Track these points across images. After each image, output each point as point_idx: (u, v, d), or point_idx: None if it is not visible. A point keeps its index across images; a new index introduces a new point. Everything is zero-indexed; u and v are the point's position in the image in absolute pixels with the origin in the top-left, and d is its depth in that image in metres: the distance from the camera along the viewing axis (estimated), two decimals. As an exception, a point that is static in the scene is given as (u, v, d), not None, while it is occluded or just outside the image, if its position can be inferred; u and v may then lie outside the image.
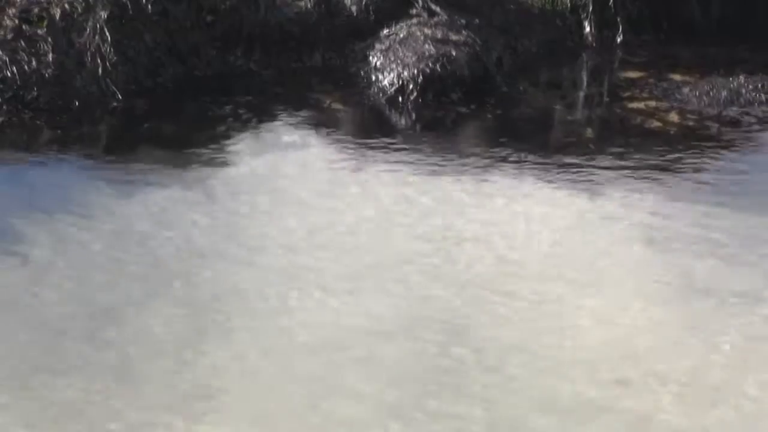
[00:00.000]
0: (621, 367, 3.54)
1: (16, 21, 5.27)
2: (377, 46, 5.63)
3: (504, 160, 4.94)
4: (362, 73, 5.58)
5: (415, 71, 5.45)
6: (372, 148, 5.01)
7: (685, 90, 5.65)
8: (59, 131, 5.08)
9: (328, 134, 5.15)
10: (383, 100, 5.46)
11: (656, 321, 3.80)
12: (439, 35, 5.63)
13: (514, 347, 3.64)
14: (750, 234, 4.42)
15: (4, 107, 5.11)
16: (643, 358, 3.60)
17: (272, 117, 5.29)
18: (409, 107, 5.44)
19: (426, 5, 5.82)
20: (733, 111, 5.48)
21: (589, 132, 5.42)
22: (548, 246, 4.27)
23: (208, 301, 3.85)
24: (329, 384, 3.44)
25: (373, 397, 3.37)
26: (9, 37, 5.23)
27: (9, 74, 5.15)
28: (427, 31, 5.66)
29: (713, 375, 3.51)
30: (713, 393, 3.44)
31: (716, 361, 3.58)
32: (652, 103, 5.55)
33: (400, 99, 5.45)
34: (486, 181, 4.73)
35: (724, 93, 5.59)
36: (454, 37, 5.64)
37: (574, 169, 4.85)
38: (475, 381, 3.45)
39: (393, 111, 5.45)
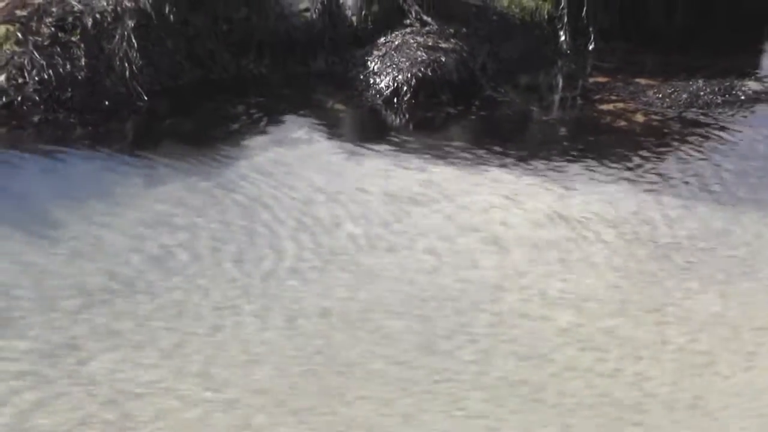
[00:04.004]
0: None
1: (53, 29, 5.24)
2: (375, 52, 5.63)
3: (487, 153, 4.94)
4: (361, 76, 5.57)
5: (409, 75, 5.45)
6: (369, 143, 5.00)
7: (650, 93, 5.64)
8: (90, 127, 5.05)
9: (330, 131, 5.14)
10: (380, 101, 5.45)
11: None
12: (430, 43, 5.63)
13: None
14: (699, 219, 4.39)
15: (42, 106, 5.07)
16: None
17: (280, 116, 5.28)
18: (403, 108, 5.42)
19: (419, 16, 5.80)
20: (692, 112, 5.46)
21: (563, 130, 5.39)
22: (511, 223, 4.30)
23: (231, 267, 3.87)
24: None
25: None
26: (46, 43, 5.19)
27: (46, 76, 5.11)
28: (420, 39, 5.66)
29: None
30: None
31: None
32: (620, 105, 5.55)
33: (395, 100, 5.44)
34: (471, 171, 4.74)
35: (684, 96, 5.59)
36: (443, 44, 5.64)
37: (549, 163, 4.85)
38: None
39: (388, 111, 5.43)
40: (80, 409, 3.24)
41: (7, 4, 5.36)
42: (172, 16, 5.40)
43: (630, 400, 3.34)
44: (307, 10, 5.85)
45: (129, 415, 3.22)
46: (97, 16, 5.30)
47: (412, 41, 5.65)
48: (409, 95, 5.43)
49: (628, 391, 3.38)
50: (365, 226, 4.28)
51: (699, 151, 5.05)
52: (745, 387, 3.48)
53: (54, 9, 5.29)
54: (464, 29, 5.82)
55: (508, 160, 4.87)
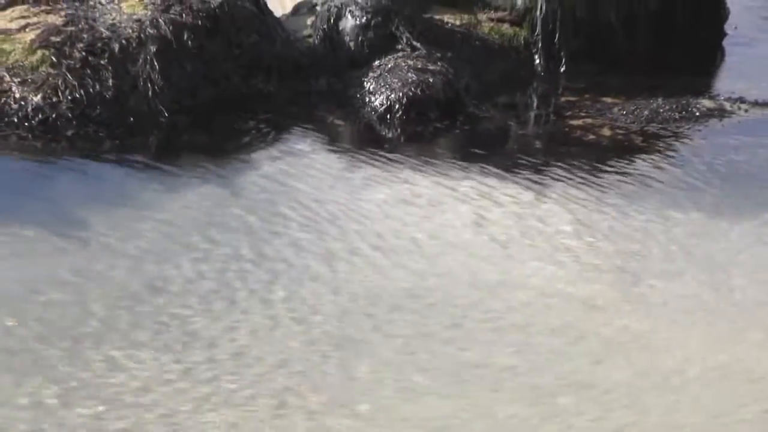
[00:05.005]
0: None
1: (83, 53, 5.15)
2: (370, 74, 5.56)
3: (470, 163, 4.94)
4: (358, 95, 5.50)
5: (401, 94, 5.39)
6: (365, 155, 5.00)
7: (615, 110, 5.56)
8: (117, 141, 5.01)
9: (331, 144, 5.15)
10: (375, 117, 5.40)
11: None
12: (419, 66, 5.53)
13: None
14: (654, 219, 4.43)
15: (74, 122, 5.02)
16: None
17: (286, 130, 5.25)
18: (396, 123, 5.36)
19: (409, 42, 5.68)
20: (653, 127, 5.40)
21: (538, 143, 5.38)
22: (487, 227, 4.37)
23: (252, 264, 3.97)
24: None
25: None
26: (77, 66, 5.12)
27: (77, 95, 5.06)
28: (410, 62, 5.57)
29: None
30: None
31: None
32: (589, 121, 5.48)
33: (388, 116, 5.38)
34: (455, 179, 4.76)
35: (646, 112, 5.52)
36: (431, 67, 5.53)
37: (525, 172, 4.86)
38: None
39: (382, 126, 5.38)
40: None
41: (42, 32, 5.20)
42: (190, 42, 5.30)
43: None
44: (310, 36, 5.81)
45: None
46: (123, 41, 5.22)
47: (403, 64, 5.57)
48: (400, 112, 5.38)
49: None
50: (361, 225, 4.36)
51: (658, 161, 5.05)
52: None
53: (85, 36, 5.23)
54: (450, 53, 5.70)
55: (489, 169, 4.89)
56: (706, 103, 5.66)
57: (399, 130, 5.35)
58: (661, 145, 5.25)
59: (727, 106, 5.65)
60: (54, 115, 5.04)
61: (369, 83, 5.54)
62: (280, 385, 3.31)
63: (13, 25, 5.37)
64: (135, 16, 5.35)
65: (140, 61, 5.22)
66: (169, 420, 3.13)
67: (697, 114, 5.55)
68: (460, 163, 4.97)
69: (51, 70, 5.13)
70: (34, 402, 3.18)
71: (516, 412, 3.21)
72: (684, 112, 5.54)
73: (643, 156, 5.09)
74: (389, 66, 5.59)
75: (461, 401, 3.26)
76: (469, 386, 3.34)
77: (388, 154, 5.03)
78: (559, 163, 4.96)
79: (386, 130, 5.38)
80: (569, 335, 3.63)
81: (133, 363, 3.38)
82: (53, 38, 5.24)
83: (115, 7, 5.47)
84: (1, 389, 3.24)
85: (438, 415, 3.22)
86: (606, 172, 4.89)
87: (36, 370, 3.32)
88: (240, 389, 3.29)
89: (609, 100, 5.71)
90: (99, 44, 5.22)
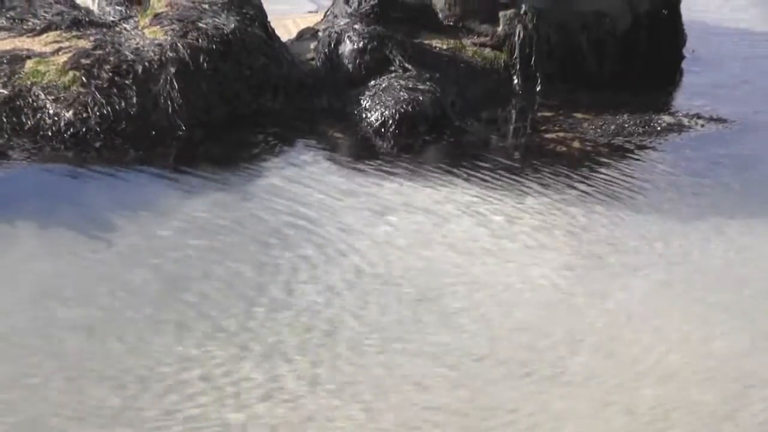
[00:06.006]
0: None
1: (110, 74, 5.22)
2: (366, 92, 5.61)
3: (455, 171, 4.98)
4: (356, 112, 5.55)
5: (394, 111, 5.44)
6: (362, 164, 5.05)
7: (585, 124, 5.59)
8: (140, 152, 5.03)
9: (331, 155, 5.20)
10: (371, 131, 5.44)
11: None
12: (410, 85, 5.59)
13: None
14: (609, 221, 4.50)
15: (102, 135, 5.06)
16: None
17: (291, 143, 5.29)
18: (389, 136, 5.40)
19: (401, 64, 5.72)
20: (618, 140, 5.43)
21: (516, 154, 5.40)
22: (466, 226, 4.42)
23: (270, 260, 4.01)
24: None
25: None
26: (105, 85, 5.18)
27: (105, 111, 5.11)
28: (402, 82, 5.62)
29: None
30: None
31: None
32: (561, 134, 5.51)
33: (383, 130, 5.43)
34: (442, 185, 4.82)
35: (612, 127, 5.55)
36: (421, 86, 5.59)
37: (504, 179, 4.91)
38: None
39: (377, 139, 5.41)
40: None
41: (74, 55, 5.28)
42: (205, 64, 5.35)
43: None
44: (312, 59, 5.86)
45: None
46: (146, 64, 5.28)
47: (396, 84, 5.62)
48: (393, 126, 5.43)
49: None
50: (357, 224, 4.41)
51: (623, 171, 5.08)
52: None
53: (111, 58, 5.29)
54: (437, 74, 5.74)
55: (472, 177, 4.96)
56: (667, 118, 5.70)
57: (392, 142, 5.39)
58: (625, 156, 5.29)
59: (685, 121, 5.69)
60: (84, 129, 5.09)
61: (365, 101, 5.59)
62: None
63: (48, 49, 5.44)
64: (156, 41, 5.42)
65: (161, 81, 5.27)
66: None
67: (659, 128, 5.57)
68: (446, 171, 5.01)
69: (81, 89, 5.18)
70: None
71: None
72: (647, 127, 5.57)
73: (610, 166, 5.13)
74: (383, 85, 5.64)
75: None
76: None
77: (382, 164, 5.08)
78: (535, 172, 5.02)
79: (381, 143, 5.41)
80: (542, 315, 3.77)
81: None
82: (83, 61, 5.31)
83: (139, 33, 5.54)
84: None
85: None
86: (576, 180, 4.94)
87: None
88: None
89: (579, 115, 5.74)
90: (124, 66, 5.28)
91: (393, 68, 5.72)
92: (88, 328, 3.54)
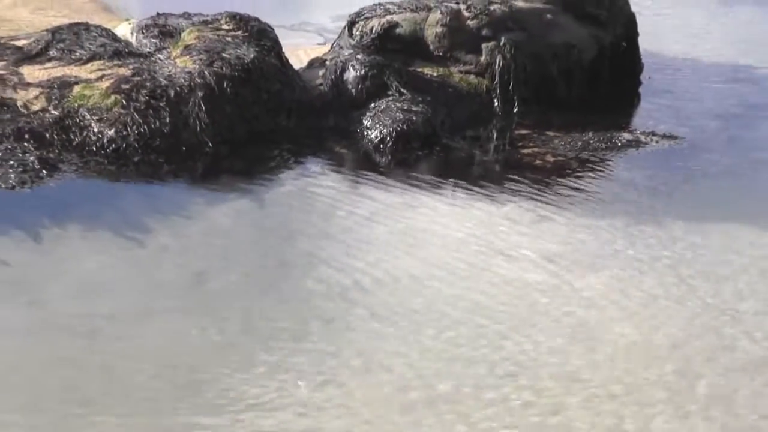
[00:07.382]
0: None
1: (147, 97, 5.29)
2: (367, 113, 5.65)
3: (444, 182, 5.03)
4: (358, 130, 5.59)
5: (391, 129, 5.49)
6: (364, 175, 5.11)
7: (556, 141, 5.63)
8: (173, 165, 5.09)
9: (337, 167, 5.26)
10: (371, 147, 5.49)
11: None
12: (405, 107, 5.62)
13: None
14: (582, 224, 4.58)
15: (139, 150, 5.11)
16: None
17: (303, 157, 5.33)
18: (387, 151, 5.43)
19: (397, 89, 5.76)
20: (585, 154, 5.49)
21: (497, 167, 5.48)
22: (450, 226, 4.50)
23: (285, 262, 4.06)
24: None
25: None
26: (142, 107, 5.25)
27: (142, 130, 5.17)
28: (398, 104, 5.66)
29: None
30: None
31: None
32: (536, 149, 5.56)
33: (382, 146, 5.47)
34: (432, 193, 4.90)
35: (579, 143, 5.61)
36: (414, 108, 5.63)
37: (486, 189, 4.96)
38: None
39: (377, 154, 5.45)
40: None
41: (115, 81, 5.40)
42: (228, 89, 5.40)
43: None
44: (321, 84, 5.90)
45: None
46: (177, 88, 5.36)
47: (393, 106, 5.66)
48: (391, 143, 5.47)
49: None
50: (355, 223, 4.51)
51: (589, 180, 5.16)
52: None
53: (148, 84, 5.39)
54: (429, 97, 5.78)
55: (458, 185, 5.03)
56: (626, 135, 5.77)
57: (390, 156, 5.44)
58: (591, 168, 5.37)
59: (642, 138, 5.76)
60: (124, 145, 5.16)
61: (366, 120, 5.64)
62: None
63: (92, 76, 5.60)
64: (186, 69, 5.54)
65: (190, 103, 5.33)
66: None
67: (619, 144, 5.65)
68: (436, 181, 5.09)
69: (122, 110, 5.26)
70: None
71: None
72: (609, 143, 5.65)
73: (578, 176, 5.23)
74: (382, 107, 5.70)
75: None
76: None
77: (381, 175, 5.16)
78: (513, 183, 5.10)
79: (380, 157, 5.46)
80: (521, 306, 3.93)
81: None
82: (123, 86, 5.42)
83: (171, 62, 5.65)
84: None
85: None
86: (549, 188, 5.03)
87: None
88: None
89: (551, 133, 5.80)
90: (159, 90, 5.36)
91: (390, 92, 5.78)
92: (122, 315, 3.66)
